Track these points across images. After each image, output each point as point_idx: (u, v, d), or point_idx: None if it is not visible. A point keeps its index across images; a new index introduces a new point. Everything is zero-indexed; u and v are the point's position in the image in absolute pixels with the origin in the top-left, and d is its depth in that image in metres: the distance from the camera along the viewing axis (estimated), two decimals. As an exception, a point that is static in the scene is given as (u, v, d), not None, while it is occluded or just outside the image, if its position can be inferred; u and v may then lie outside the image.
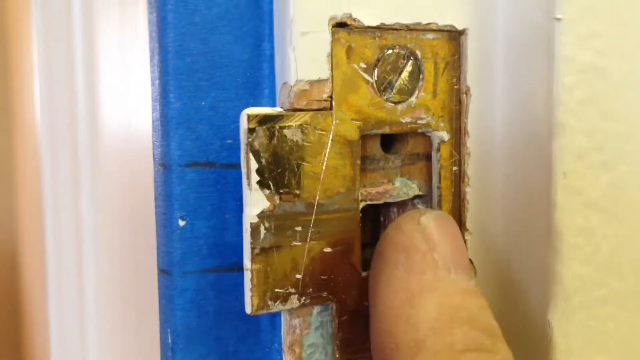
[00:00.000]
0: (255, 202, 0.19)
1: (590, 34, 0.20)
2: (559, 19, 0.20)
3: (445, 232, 0.19)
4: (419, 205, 0.22)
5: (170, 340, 0.20)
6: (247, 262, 0.19)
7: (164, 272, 0.20)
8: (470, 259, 0.20)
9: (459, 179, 0.22)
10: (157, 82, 0.20)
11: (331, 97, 0.20)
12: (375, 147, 0.22)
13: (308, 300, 0.20)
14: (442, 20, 0.21)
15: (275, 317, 0.21)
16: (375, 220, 0.24)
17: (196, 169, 0.20)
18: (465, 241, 0.22)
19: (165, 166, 0.20)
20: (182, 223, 0.20)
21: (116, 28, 0.27)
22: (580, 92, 0.20)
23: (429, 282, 0.19)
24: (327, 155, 0.20)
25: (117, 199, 0.29)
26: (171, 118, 0.19)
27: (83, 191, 0.32)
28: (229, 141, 0.20)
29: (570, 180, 0.20)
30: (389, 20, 0.20)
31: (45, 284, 0.39)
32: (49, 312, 0.39)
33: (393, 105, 0.21)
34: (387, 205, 0.23)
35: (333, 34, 0.20)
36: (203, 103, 0.20)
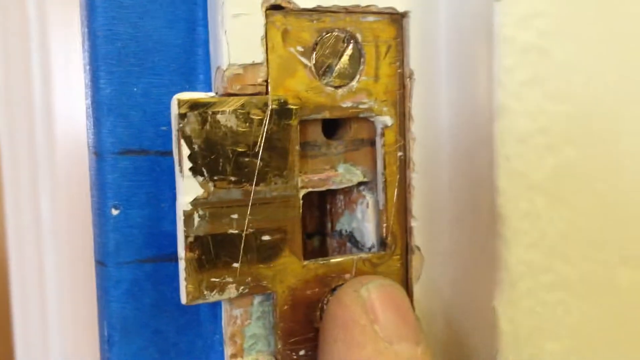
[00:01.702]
0: (188, 189, 0.19)
1: (531, 14, 0.20)
2: (498, -1, 0.19)
3: (388, 302, 0.19)
4: (363, 192, 0.22)
5: (106, 333, 0.20)
6: (181, 251, 0.19)
7: (100, 263, 0.20)
8: (417, 317, 0.20)
9: (404, 164, 0.22)
10: (87, 67, 0.19)
11: (267, 81, 0.19)
12: (316, 133, 0.21)
13: (247, 290, 0.20)
14: (383, 3, 0.21)
15: (216, 307, 0.21)
16: (322, 207, 0.23)
17: (129, 157, 0.19)
18: (411, 228, 0.22)
19: (97, 154, 0.19)
20: (115, 212, 0.19)
21: (61, 14, 0.26)
22: (522, 74, 0.20)
23: (369, 356, 0.18)
24: (263, 141, 0.19)
25: (69, 191, 0.28)
26: (102, 104, 0.19)
27: (40, 183, 0.32)
28: (164, 128, 0.20)
29: (514, 164, 0.20)
30: (327, 3, 0.20)
31: (7, 277, 0.39)
32: (13, 305, 0.38)
33: (333, 89, 0.20)
34: (334, 192, 0.23)
35: (267, 16, 0.19)
36: (135, 89, 0.19)
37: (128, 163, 0.19)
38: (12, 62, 0.35)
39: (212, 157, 0.19)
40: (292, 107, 0.20)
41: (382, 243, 0.22)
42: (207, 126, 0.19)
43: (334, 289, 0.21)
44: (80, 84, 0.26)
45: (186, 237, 0.19)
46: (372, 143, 0.22)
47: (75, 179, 0.28)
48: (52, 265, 0.32)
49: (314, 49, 0.20)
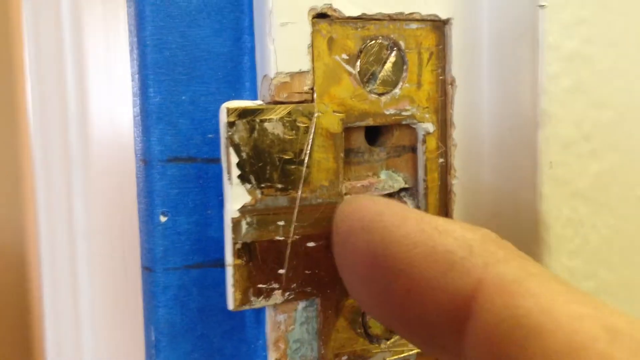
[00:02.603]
0: (236, 196, 0.19)
1: (575, 22, 0.20)
2: (543, 6, 0.19)
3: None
4: (405, 198, 0.22)
5: (153, 338, 0.20)
6: (228, 258, 0.19)
7: (147, 269, 0.20)
8: None
9: (445, 171, 0.22)
10: (136, 76, 0.19)
11: (312, 89, 0.20)
12: (359, 140, 0.21)
13: (292, 296, 0.20)
14: (426, 10, 0.21)
15: (260, 313, 0.21)
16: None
17: (177, 164, 0.20)
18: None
19: (146, 162, 0.20)
20: (163, 219, 0.20)
21: (100, 21, 0.27)
22: (566, 81, 0.20)
23: (412, 228, 0.17)
24: (309, 148, 0.20)
25: (108, 196, 0.29)
26: (151, 113, 0.19)
27: (75, 189, 0.32)
28: (210, 136, 0.20)
29: (557, 171, 0.20)
30: (371, 10, 0.20)
31: (40, 281, 0.39)
32: (45, 309, 0.39)
33: (377, 96, 0.21)
34: (374, 198, 0.23)
35: (313, 25, 0.19)
36: (183, 97, 0.19)
37: (176, 170, 0.20)
38: (45, 65, 0.36)
39: (260, 164, 0.19)
40: (337, 115, 0.20)
41: (424, 249, 0.22)
42: (255, 134, 0.19)
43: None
44: (120, 90, 0.26)
45: (234, 243, 0.19)
46: (414, 150, 0.22)
47: (111, 184, 0.28)
48: (85, 270, 0.33)
49: (358, 57, 0.20)
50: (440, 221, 0.17)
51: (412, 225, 0.17)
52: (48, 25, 0.33)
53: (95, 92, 0.29)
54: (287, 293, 0.20)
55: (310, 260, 0.20)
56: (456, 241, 0.16)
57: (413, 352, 0.22)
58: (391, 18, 0.20)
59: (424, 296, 0.16)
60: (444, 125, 0.22)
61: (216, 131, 0.20)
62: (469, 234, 0.16)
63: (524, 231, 0.21)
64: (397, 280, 0.16)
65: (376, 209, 0.17)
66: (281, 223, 0.19)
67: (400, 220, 0.17)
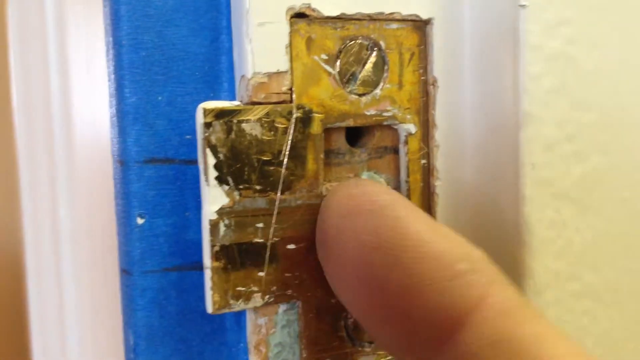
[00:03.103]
0: (214, 198, 0.19)
1: (558, 22, 0.20)
2: (524, 6, 0.19)
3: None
4: (387, 200, 0.22)
5: (132, 342, 0.20)
6: (206, 260, 0.19)
7: (125, 271, 0.20)
8: None
9: (427, 172, 0.21)
10: (112, 76, 0.19)
11: (291, 89, 0.19)
12: (340, 141, 0.21)
13: (272, 299, 0.20)
14: (406, 10, 0.20)
15: (241, 316, 0.21)
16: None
17: (154, 166, 0.19)
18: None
19: (123, 163, 0.19)
20: (140, 221, 0.19)
21: (82, 21, 0.26)
22: (549, 81, 0.20)
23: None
24: (287, 149, 0.19)
25: (90, 198, 0.28)
26: (127, 113, 0.19)
27: (59, 191, 0.32)
28: (188, 137, 0.20)
29: (540, 172, 0.20)
30: (350, 10, 0.20)
31: (25, 283, 0.39)
32: (31, 312, 0.39)
33: (357, 97, 0.20)
34: (357, 200, 0.22)
35: (292, 24, 0.19)
36: (160, 98, 0.19)
37: (153, 172, 0.19)
38: (31, 66, 0.35)
39: (238, 165, 0.19)
40: (316, 115, 0.20)
41: (406, 251, 0.21)
42: (232, 135, 0.19)
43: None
44: (101, 90, 0.26)
45: (212, 246, 0.19)
46: (396, 151, 0.22)
47: (95, 185, 0.28)
48: (69, 273, 0.32)
49: (337, 57, 0.20)
50: (448, 230, 0.17)
51: (424, 223, 0.17)
52: (32, 25, 0.33)
53: (77, 93, 0.29)
54: (267, 296, 0.20)
55: (291, 263, 0.20)
56: (464, 252, 0.16)
57: (396, 355, 0.22)
58: (371, 18, 0.20)
59: (420, 297, 0.16)
60: (425, 126, 0.21)
61: (194, 132, 0.20)
62: (474, 250, 0.17)
63: (507, 233, 0.20)
64: (397, 272, 0.16)
65: (389, 197, 0.17)
66: (260, 225, 0.19)
67: (413, 215, 0.17)
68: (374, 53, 0.20)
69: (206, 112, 0.18)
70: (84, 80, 0.27)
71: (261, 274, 0.19)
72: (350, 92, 0.20)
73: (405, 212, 0.17)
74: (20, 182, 0.38)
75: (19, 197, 0.38)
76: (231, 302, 0.19)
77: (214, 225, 0.19)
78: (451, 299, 0.16)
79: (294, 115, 0.19)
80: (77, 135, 0.29)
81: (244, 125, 0.19)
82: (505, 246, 0.21)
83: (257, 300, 0.19)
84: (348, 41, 0.20)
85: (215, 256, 0.19)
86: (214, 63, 0.20)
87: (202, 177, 0.19)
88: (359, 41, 0.20)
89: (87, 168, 0.29)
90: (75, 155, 0.30)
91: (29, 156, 0.36)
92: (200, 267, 0.20)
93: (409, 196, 0.21)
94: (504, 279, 0.17)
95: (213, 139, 0.18)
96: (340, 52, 0.20)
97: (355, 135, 0.22)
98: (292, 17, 0.19)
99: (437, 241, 0.16)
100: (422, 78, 0.21)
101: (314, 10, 0.19)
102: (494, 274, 0.16)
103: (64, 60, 0.30)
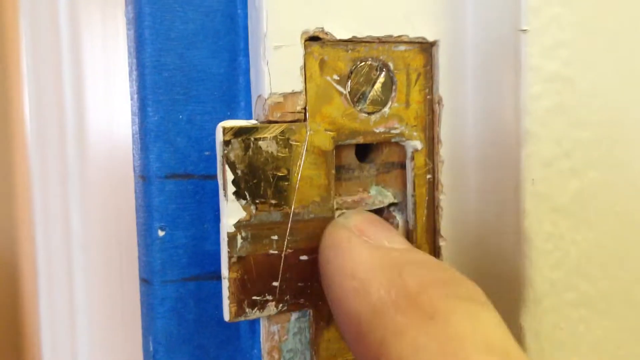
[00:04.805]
0: (232, 212, 0.20)
1: (555, 44, 0.21)
2: (524, 31, 0.20)
3: (370, 220, 0.20)
4: (394, 213, 0.23)
5: (152, 348, 0.21)
6: (224, 271, 0.20)
7: (145, 281, 0.21)
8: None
9: (432, 186, 0.23)
10: (135, 96, 0.20)
11: (305, 108, 0.20)
12: (350, 157, 0.22)
13: (285, 307, 0.21)
14: (414, 33, 0.22)
15: (254, 323, 0.22)
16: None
17: (175, 181, 0.20)
18: (439, 247, 0.23)
19: (144, 178, 0.20)
20: (161, 233, 0.20)
21: (99, 39, 0.27)
22: (547, 101, 0.21)
23: (365, 259, 0.19)
24: (301, 165, 0.20)
25: (105, 210, 0.29)
26: (149, 131, 0.20)
27: (71, 202, 0.33)
28: (207, 153, 0.21)
29: (539, 187, 0.21)
30: (361, 34, 0.21)
31: (37, 291, 0.40)
32: (41, 318, 0.39)
33: (366, 115, 0.21)
34: (364, 212, 0.24)
35: (306, 47, 0.20)
36: (181, 116, 0.20)
37: (173, 186, 0.20)
38: (44, 80, 0.36)
39: (254, 181, 0.20)
40: (329, 133, 0.21)
41: (412, 261, 0.23)
42: (250, 152, 0.20)
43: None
44: (118, 107, 0.27)
45: (229, 257, 0.20)
46: (403, 166, 0.23)
47: (108, 197, 0.29)
48: (81, 283, 0.33)
49: (348, 78, 0.21)
50: (365, 272, 0.18)
51: (344, 276, 0.19)
52: (47, 40, 0.34)
53: (93, 108, 0.30)
54: (281, 305, 0.21)
55: (303, 273, 0.21)
56: (365, 303, 0.18)
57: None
58: (380, 40, 0.21)
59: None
60: (431, 142, 0.22)
61: (212, 148, 0.21)
62: (383, 292, 0.18)
63: (508, 244, 0.22)
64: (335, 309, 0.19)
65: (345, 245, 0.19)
66: (275, 237, 0.20)
67: (342, 266, 0.19)
68: (383, 74, 0.22)
69: (225, 130, 0.19)
70: (100, 96, 0.28)
71: (275, 283, 0.20)
72: (361, 111, 0.21)
73: (341, 260, 0.19)
74: (32, 193, 0.39)
75: (30, 207, 0.39)
76: (247, 310, 0.20)
77: (231, 238, 0.20)
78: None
79: (308, 133, 0.20)
80: (91, 148, 0.30)
81: (260, 142, 0.20)
82: (506, 257, 0.22)
83: (272, 308, 0.20)
84: (358, 62, 0.21)
85: (233, 267, 0.20)
86: (232, 83, 0.21)
87: (221, 192, 0.20)
88: (369, 62, 0.21)
89: (100, 181, 0.30)
90: (89, 168, 0.31)
91: (42, 169, 0.37)
92: (217, 277, 0.21)
93: (414, 210, 0.22)
94: (401, 322, 0.17)
95: (232, 156, 0.19)
96: (351, 72, 0.21)
97: (364, 152, 0.23)
98: (306, 40, 0.20)
99: (349, 297, 0.18)
100: (428, 97, 0.22)
101: (327, 33, 0.20)
102: (390, 322, 0.17)
103: (79, 75, 0.31)
